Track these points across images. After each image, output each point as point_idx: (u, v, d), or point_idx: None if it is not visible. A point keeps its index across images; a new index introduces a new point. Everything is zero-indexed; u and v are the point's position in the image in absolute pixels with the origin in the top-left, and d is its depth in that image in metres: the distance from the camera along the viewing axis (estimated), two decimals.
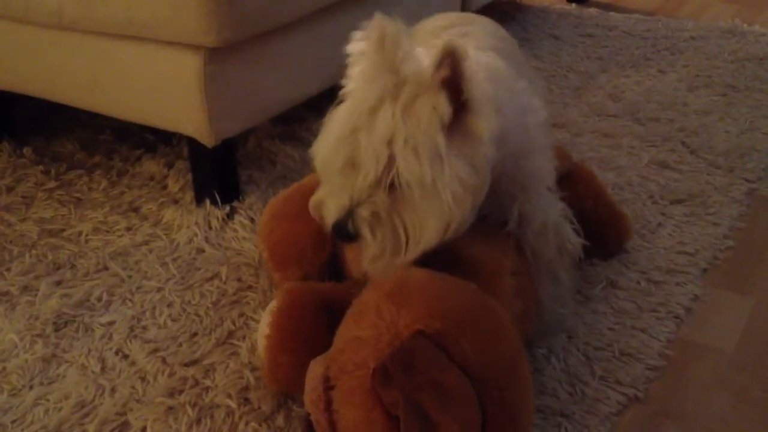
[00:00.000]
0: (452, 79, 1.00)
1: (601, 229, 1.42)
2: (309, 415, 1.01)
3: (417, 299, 0.98)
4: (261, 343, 1.15)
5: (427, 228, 1.04)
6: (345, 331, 1.02)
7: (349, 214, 1.05)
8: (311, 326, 1.12)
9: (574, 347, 1.25)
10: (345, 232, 1.06)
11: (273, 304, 1.16)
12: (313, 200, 1.12)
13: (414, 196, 1.03)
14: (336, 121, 1.08)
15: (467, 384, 0.93)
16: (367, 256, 1.07)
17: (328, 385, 0.98)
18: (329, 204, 1.09)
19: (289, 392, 1.15)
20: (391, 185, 1.03)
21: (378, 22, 1.04)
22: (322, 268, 1.28)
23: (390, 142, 1.01)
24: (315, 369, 1.01)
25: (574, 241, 1.30)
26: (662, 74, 2.31)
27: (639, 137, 1.92)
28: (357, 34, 1.09)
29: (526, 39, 2.60)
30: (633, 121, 2.01)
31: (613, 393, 1.17)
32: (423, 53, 1.06)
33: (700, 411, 1.15)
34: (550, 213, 1.23)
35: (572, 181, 1.42)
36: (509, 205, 1.17)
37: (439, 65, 1.00)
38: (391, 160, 1.01)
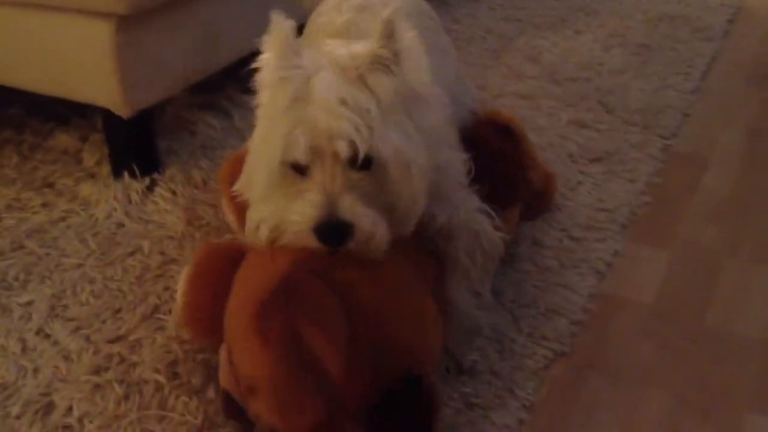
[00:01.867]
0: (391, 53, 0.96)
1: (534, 191, 1.43)
2: (226, 392, 1.01)
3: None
4: (179, 301, 1.14)
5: (415, 200, 0.99)
6: (234, 287, 1.02)
7: (331, 208, 0.93)
8: (225, 274, 1.08)
9: (501, 306, 1.27)
10: (335, 230, 0.93)
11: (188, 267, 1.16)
12: (253, 220, 1.00)
13: (390, 170, 0.96)
14: (271, 120, 0.99)
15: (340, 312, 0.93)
16: (363, 248, 0.96)
17: (231, 357, 0.98)
18: (292, 212, 0.95)
19: (213, 346, 1.12)
20: (359, 164, 0.94)
21: (276, 24, 0.97)
22: None
23: (359, 113, 0.93)
24: (223, 350, 1.01)
25: (493, 239, 1.16)
26: (578, 35, 2.34)
27: (557, 98, 1.95)
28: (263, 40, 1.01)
29: (443, 2, 2.60)
30: (551, 82, 2.04)
31: (539, 348, 1.19)
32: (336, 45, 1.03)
33: (624, 361, 1.19)
34: (460, 210, 1.13)
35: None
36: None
37: (382, 39, 0.96)
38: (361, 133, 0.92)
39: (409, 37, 1.02)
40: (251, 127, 1.82)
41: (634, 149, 1.73)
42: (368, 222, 0.94)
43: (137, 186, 1.56)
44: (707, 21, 2.42)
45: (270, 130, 0.98)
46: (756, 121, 1.89)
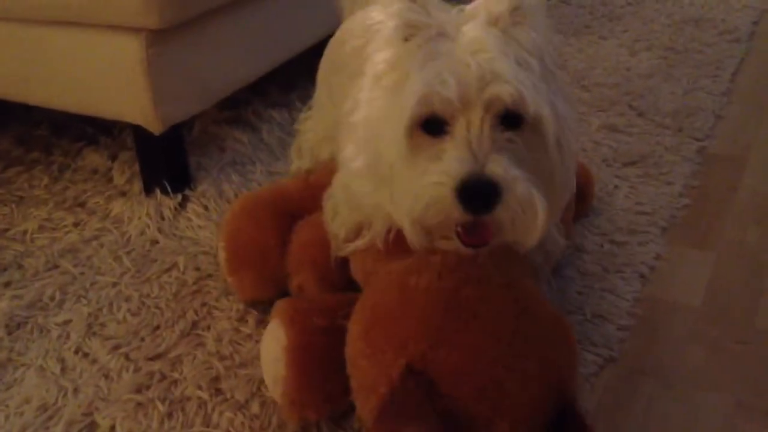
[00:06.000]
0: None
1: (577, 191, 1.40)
2: None
3: (397, 323, 0.91)
4: (272, 380, 1.03)
5: (569, 174, 0.83)
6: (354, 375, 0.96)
7: (479, 165, 0.76)
8: (326, 352, 1.00)
9: None
10: (484, 191, 0.75)
11: (278, 331, 1.02)
12: (398, 207, 0.85)
13: (547, 134, 0.80)
14: (399, 83, 0.82)
15: None
16: (506, 223, 0.79)
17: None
18: (431, 173, 0.79)
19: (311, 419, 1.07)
20: (509, 121, 0.79)
21: None
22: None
23: (519, 62, 0.78)
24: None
25: (560, 244, 1.12)
26: (603, 41, 2.32)
27: (587, 103, 1.93)
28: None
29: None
30: (579, 87, 2.02)
31: (588, 355, 1.16)
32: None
33: (676, 366, 1.15)
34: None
35: None
36: None
37: None
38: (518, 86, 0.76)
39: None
40: (279, 141, 1.81)
41: (669, 152, 1.70)
42: (523, 185, 0.78)
43: (169, 202, 1.54)
44: (733, 23, 2.40)
45: (402, 89, 0.81)
46: None
